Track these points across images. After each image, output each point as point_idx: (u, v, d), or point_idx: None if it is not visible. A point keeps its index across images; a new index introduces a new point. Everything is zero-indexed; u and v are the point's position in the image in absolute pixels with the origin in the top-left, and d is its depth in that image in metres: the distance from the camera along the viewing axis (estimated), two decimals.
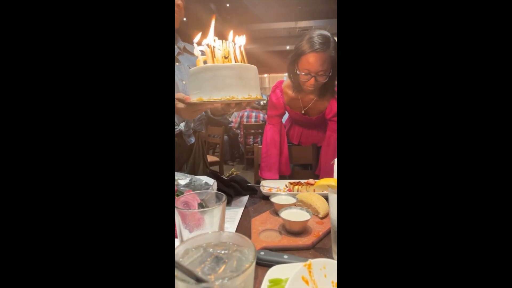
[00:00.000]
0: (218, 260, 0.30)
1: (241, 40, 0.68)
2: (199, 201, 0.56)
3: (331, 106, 1.19)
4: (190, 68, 1.08)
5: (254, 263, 0.28)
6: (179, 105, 0.72)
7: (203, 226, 0.49)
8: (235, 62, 0.66)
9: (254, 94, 0.65)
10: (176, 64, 1.08)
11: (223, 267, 0.29)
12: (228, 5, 5.40)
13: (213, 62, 0.64)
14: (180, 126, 1.07)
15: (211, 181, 0.78)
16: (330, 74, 1.06)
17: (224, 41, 0.66)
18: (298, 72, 1.09)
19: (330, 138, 1.25)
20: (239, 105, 0.72)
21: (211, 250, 0.32)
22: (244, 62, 0.67)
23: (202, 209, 0.47)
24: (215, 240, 0.33)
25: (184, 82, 1.06)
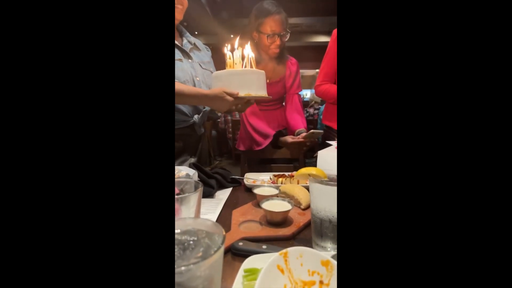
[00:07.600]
0: (186, 246, 0.29)
1: (248, 50, 0.90)
2: (178, 191, 0.54)
3: (290, 70, 1.32)
4: (200, 65, 1.06)
5: (222, 249, 0.26)
6: (227, 97, 0.84)
7: (179, 215, 0.47)
8: (247, 67, 0.90)
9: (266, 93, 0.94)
10: (189, 61, 1.04)
11: (190, 252, 0.28)
12: None
13: (242, 67, 0.89)
14: (194, 118, 1.06)
15: (191, 171, 0.75)
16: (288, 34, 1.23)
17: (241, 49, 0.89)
18: (264, 33, 1.21)
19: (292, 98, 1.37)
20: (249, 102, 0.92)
21: (179, 236, 0.30)
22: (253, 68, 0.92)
23: (176, 196, 0.45)
24: (185, 226, 0.31)
25: (198, 79, 1.03)
